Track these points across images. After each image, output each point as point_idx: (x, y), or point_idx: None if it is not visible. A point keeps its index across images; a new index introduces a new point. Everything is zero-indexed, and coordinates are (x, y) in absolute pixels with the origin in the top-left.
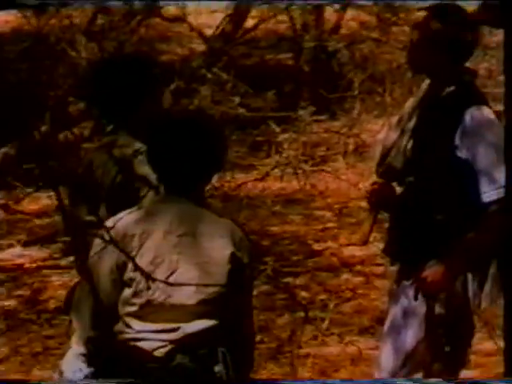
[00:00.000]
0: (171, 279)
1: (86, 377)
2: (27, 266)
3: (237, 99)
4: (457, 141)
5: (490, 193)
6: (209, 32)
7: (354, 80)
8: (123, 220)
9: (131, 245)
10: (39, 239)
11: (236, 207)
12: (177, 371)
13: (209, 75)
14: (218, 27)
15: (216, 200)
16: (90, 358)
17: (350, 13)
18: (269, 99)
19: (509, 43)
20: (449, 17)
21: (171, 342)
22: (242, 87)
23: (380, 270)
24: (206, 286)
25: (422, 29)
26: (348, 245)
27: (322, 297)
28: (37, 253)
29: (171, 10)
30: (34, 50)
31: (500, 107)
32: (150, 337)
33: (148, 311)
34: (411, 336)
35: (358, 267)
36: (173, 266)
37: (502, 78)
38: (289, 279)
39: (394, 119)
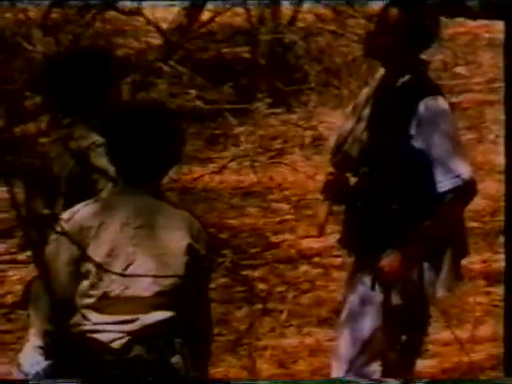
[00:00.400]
0: (128, 271)
1: (44, 369)
2: None
3: (193, 92)
4: (412, 131)
5: (445, 182)
6: (165, 25)
7: (310, 72)
8: (80, 212)
9: (88, 237)
10: None
11: (193, 200)
12: (134, 363)
13: (165, 68)
14: (174, 21)
15: (173, 193)
16: (47, 350)
17: (306, 5)
18: (225, 92)
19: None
20: (408, 5)
21: (128, 333)
22: (198, 80)
23: (338, 261)
24: (163, 277)
25: (381, 16)
26: (306, 237)
27: (281, 289)
28: None
29: (127, 3)
30: None
31: (454, 99)
32: (107, 328)
33: (105, 303)
34: (368, 324)
35: (316, 259)
36: (129, 257)
37: (457, 69)
38: (247, 271)
39: (349, 109)
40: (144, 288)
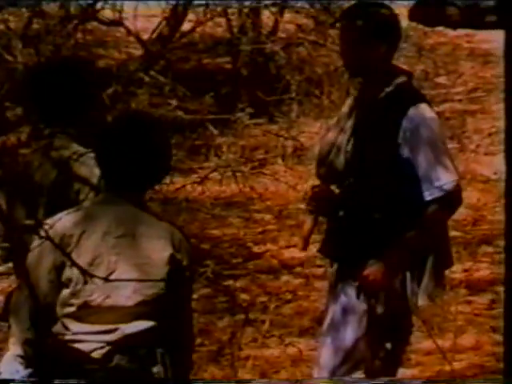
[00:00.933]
0: (109, 280)
1: (24, 378)
2: None
3: (174, 102)
4: (398, 140)
5: (429, 192)
6: (146, 36)
7: (291, 83)
8: (62, 220)
9: (69, 245)
10: None
11: (175, 210)
12: (115, 372)
13: (146, 79)
14: (154, 31)
15: (155, 203)
16: (27, 359)
17: (287, 15)
18: (207, 102)
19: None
20: (365, 14)
21: (109, 343)
22: (179, 90)
23: (320, 271)
24: (145, 287)
25: (345, 30)
26: (288, 247)
27: (263, 299)
28: None
29: (108, 14)
30: None
31: (436, 109)
32: (88, 338)
33: (86, 312)
34: (350, 333)
35: (298, 269)
36: (111, 266)
37: (438, 79)
38: (229, 282)
39: (333, 120)
40: (125, 297)
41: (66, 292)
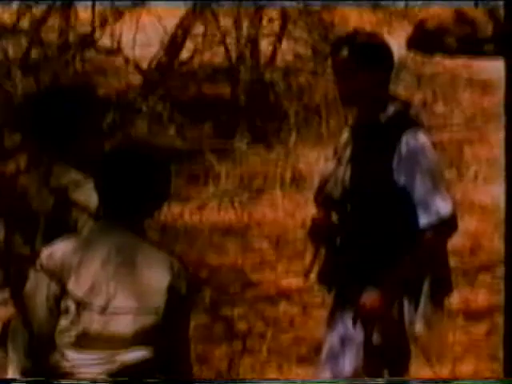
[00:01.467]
0: (108, 308)
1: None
2: None
3: (173, 130)
4: (394, 167)
5: (425, 218)
6: (145, 64)
7: (289, 111)
8: (60, 248)
9: (68, 273)
10: None
11: (173, 238)
12: None
13: (145, 107)
14: (153, 60)
15: (153, 230)
16: None
17: (285, 44)
18: (205, 130)
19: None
20: (354, 44)
21: (107, 371)
22: (178, 118)
23: (318, 299)
24: (144, 315)
25: (335, 61)
26: (285, 275)
27: (260, 327)
28: None
29: (106, 42)
30: None
31: (434, 137)
32: (87, 367)
33: (84, 341)
34: (348, 363)
35: (296, 297)
36: (110, 294)
37: (436, 107)
38: (226, 310)
39: (331, 150)
40: (124, 325)
41: (64, 320)
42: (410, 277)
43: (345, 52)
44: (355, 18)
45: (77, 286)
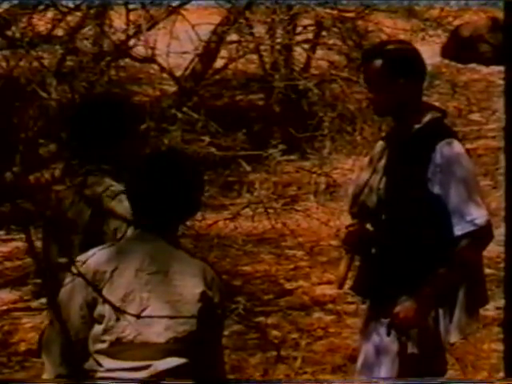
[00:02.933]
0: (141, 317)
1: None
2: None
3: (207, 139)
4: (429, 176)
5: (460, 227)
6: (179, 73)
7: (324, 119)
8: (95, 256)
9: (102, 281)
10: (9, 282)
11: (207, 247)
12: None
13: (179, 115)
14: (187, 68)
15: (187, 239)
16: None
17: (319, 52)
18: (239, 139)
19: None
20: (384, 53)
21: (141, 380)
22: (212, 127)
23: (351, 308)
24: (177, 324)
25: (366, 71)
26: (319, 283)
27: (294, 336)
28: (7, 295)
29: (140, 50)
30: (5, 92)
31: (469, 145)
32: (121, 375)
33: (118, 349)
34: (384, 374)
35: (330, 306)
36: (143, 303)
37: (471, 115)
38: (260, 318)
39: (366, 159)
40: (157, 334)
41: (98, 328)
42: (446, 286)
43: (376, 63)
44: (389, 25)
45: (111, 294)
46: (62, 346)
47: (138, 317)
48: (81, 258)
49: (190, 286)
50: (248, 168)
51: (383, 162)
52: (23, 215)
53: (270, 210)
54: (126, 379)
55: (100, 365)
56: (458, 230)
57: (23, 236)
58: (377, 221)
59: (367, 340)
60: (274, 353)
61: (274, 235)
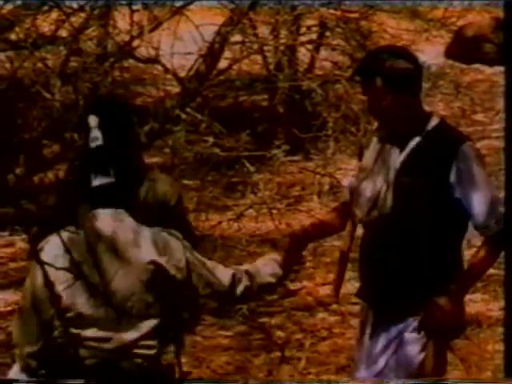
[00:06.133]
0: (106, 289)
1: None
2: (1, 309)
3: (211, 139)
4: (451, 180)
5: (483, 228)
6: (183, 73)
7: (327, 119)
8: (54, 239)
9: (60, 261)
10: (13, 282)
11: (211, 247)
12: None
13: (183, 116)
14: (191, 68)
15: None
16: (30, 372)
17: (322, 53)
18: (243, 139)
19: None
20: (378, 67)
21: (110, 350)
22: (216, 127)
23: (356, 308)
24: (139, 292)
25: (362, 85)
26: (323, 284)
27: (298, 336)
28: (11, 296)
29: (144, 51)
30: (9, 93)
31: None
32: (91, 344)
33: (80, 323)
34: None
35: (334, 306)
36: (108, 276)
37: (475, 116)
38: (265, 319)
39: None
40: (118, 305)
41: (62, 303)
42: (474, 282)
43: (376, 82)
44: (393, 26)
45: (72, 271)
46: (30, 327)
47: (104, 290)
48: (41, 244)
49: (143, 255)
50: (252, 169)
51: (392, 173)
52: (27, 216)
53: (274, 211)
54: (97, 347)
55: (69, 336)
56: (488, 231)
57: (26, 237)
58: (386, 227)
59: (375, 343)
60: (278, 353)
61: (277, 236)
